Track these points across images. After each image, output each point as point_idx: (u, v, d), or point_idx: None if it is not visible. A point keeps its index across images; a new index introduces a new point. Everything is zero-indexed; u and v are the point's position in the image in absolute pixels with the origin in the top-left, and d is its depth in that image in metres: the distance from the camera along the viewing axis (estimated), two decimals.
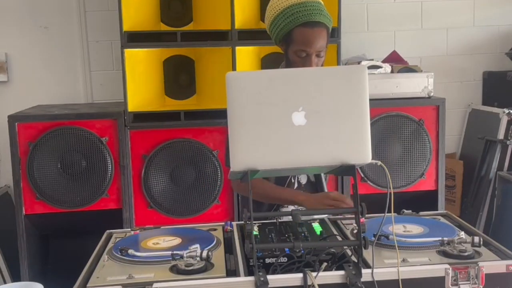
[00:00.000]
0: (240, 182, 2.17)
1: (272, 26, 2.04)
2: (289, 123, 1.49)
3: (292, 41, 2.01)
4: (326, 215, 1.95)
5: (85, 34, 3.66)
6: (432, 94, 3.28)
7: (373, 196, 3.16)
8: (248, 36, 3.11)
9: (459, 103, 4.04)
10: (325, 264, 1.53)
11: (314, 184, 2.20)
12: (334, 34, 3.13)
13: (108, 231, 1.97)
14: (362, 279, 1.47)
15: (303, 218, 1.68)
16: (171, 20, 3.32)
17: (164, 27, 3.30)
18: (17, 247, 3.07)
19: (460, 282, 1.53)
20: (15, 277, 3.25)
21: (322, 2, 2.04)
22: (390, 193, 1.52)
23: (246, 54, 3.11)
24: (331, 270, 1.52)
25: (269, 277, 1.47)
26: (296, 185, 2.17)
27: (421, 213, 2.03)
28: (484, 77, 4.05)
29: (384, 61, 3.49)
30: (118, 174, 3.08)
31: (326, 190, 2.19)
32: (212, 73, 3.20)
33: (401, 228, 1.83)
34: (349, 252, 1.60)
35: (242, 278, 1.49)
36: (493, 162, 3.61)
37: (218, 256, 1.66)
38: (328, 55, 3.13)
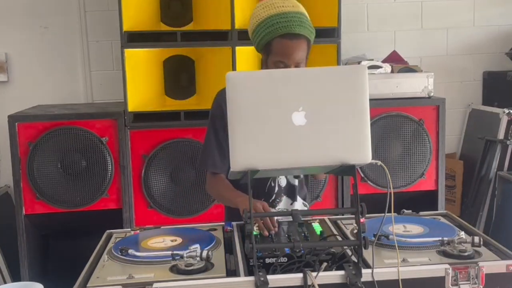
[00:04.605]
0: (208, 183, 2.18)
1: (254, 35, 2.03)
2: (289, 123, 1.49)
3: (271, 52, 1.99)
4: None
5: (85, 34, 3.66)
6: (432, 94, 3.28)
7: (373, 196, 3.16)
8: (248, 36, 3.10)
9: (459, 103, 4.04)
10: (325, 264, 1.53)
11: (293, 187, 2.17)
12: (334, 34, 3.13)
13: (108, 231, 1.97)
14: (362, 279, 1.47)
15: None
16: (171, 20, 3.32)
17: (164, 27, 3.30)
18: (17, 247, 3.07)
19: (460, 282, 1.53)
20: (15, 277, 3.25)
21: (306, 13, 2.01)
22: (390, 193, 1.52)
23: (246, 54, 3.11)
24: (331, 270, 1.53)
25: (269, 277, 1.47)
26: (276, 188, 2.13)
27: (421, 213, 2.04)
28: (484, 77, 4.05)
29: (384, 61, 3.49)
30: (118, 174, 3.08)
31: (297, 197, 2.18)
32: (212, 73, 3.20)
33: (401, 228, 1.83)
34: (349, 252, 1.59)
35: (242, 278, 1.49)
36: (493, 162, 3.61)
37: (218, 256, 1.66)
38: (328, 55, 3.18)
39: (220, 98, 2.12)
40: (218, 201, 2.17)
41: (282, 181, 2.15)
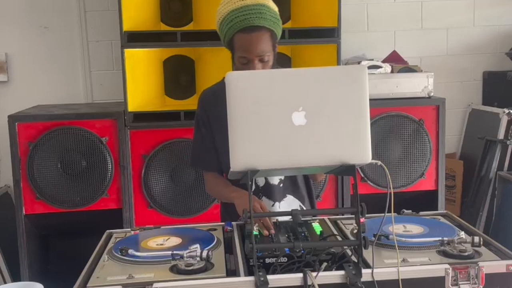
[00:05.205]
0: (206, 184, 2.18)
1: (220, 34, 2.02)
2: (289, 123, 1.49)
3: (234, 48, 1.97)
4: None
5: (85, 34, 3.66)
6: (432, 94, 3.28)
7: (373, 196, 3.16)
8: None
9: (459, 103, 4.04)
10: (325, 264, 1.53)
11: (272, 188, 2.11)
12: (334, 34, 3.13)
13: (108, 231, 1.97)
14: (362, 279, 1.47)
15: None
16: (171, 20, 3.32)
17: (164, 27, 3.30)
18: (17, 247, 3.07)
19: (460, 282, 1.53)
20: (15, 277, 3.25)
21: (269, 4, 1.96)
22: (390, 193, 1.52)
23: None
24: (331, 270, 1.52)
25: (269, 277, 1.47)
26: (253, 187, 2.08)
27: (421, 213, 2.03)
28: (484, 77, 4.05)
29: (384, 61, 3.49)
30: (118, 174, 3.08)
31: (280, 198, 2.12)
32: (212, 73, 3.20)
33: (401, 228, 1.83)
34: (349, 252, 1.59)
35: (242, 278, 1.49)
36: (493, 162, 3.61)
37: (218, 256, 1.66)
38: (328, 55, 3.18)
39: (205, 101, 2.14)
40: (217, 199, 2.18)
41: (260, 181, 2.10)
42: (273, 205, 2.11)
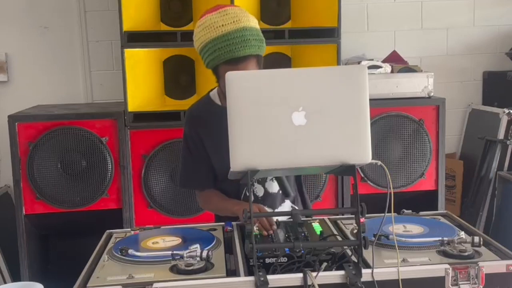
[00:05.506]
0: (200, 201, 2.15)
1: (201, 56, 1.95)
2: (289, 123, 1.49)
3: (219, 77, 1.92)
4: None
5: (85, 34, 3.66)
6: (432, 94, 3.28)
7: (373, 196, 3.16)
8: None
9: (459, 103, 4.04)
10: (325, 264, 1.53)
11: (273, 196, 2.10)
12: (334, 34, 3.13)
13: (108, 231, 1.97)
14: (362, 279, 1.46)
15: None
16: (171, 20, 3.32)
17: (164, 27, 3.30)
18: (17, 247, 3.07)
19: (460, 282, 1.53)
20: (15, 277, 3.25)
21: (250, 23, 1.88)
22: (390, 193, 1.52)
23: None
24: (331, 270, 1.52)
25: (269, 277, 1.47)
26: (252, 198, 2.07)
27: (421, 213, 2.03)
28: (484, 77, 4.05)
29: (384, 61, 3.49)
30: (118, 174, 3.08)
31: (289, 191, 2.07)
32: (212, 73, 3.19)
33: (401, 228, 1.83)
34: (349, 252, 1.59)
35: (242, 278, 1.49)
36: (493, 162, 3.61)
37: (218, 256, 1.66)
38: (328, 55, 3.17)
39: (194, 123, 2.07)
40: (215, 213, 2.14)
41: (259, 191, 2.09)
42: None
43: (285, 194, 2.04)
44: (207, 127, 2.03)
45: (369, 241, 1.51)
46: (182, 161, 2.12)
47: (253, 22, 1.91)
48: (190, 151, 2.08)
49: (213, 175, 2.09)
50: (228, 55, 1.84)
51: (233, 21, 1.85)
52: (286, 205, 2.15)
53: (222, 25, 1.85)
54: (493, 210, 3.58)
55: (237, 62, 1.85)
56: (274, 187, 2.10)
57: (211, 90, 2.13)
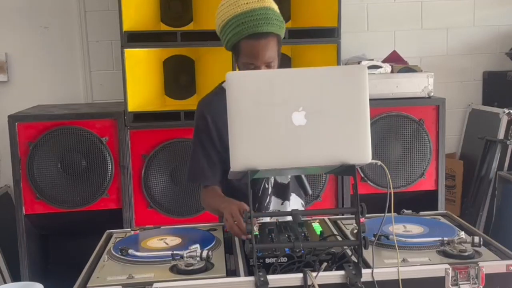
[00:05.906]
0: (202, 198, 2.12)
1: (221, 35, 1.97)
2: (289, 123, 1.49)
3: (239, 53, 1.93)
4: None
5: (85, 34, 3.66)
6: (432, 94, 3.28)
7: (373, 196, 3.16)
8: None
9: (459, 103, 4.04)
10: (325, 264, 1.53)
11: (283, 186, 2.10)
12: (334, 34, 3.13)
13: (108, 231, 1.98)
14: (362, 279, 1.47)
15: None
16: (171, 20, 3.32)
17: (164, 27, 3.30)
18: (17, 247, 3.07)
19: (460, 282, 1.53)
20: (15, 277, 3.25)
21: (273, 6, 1.93)
22: (390, 193, 1.52)
23: None
24: (331, 270, 1.53)
25: (269, 277, 1.47)
26: (270, 189, 2.08)
27: (421, 213, 2.04)
28: (484, 77, 4.05)
29: (384, 61, 3.49)
30: (118, 174, 3.08)
31: (289, 196, 2.12)
32: (212, 73, 3.20)
33: (401, 228, 1.83)
34: (349, 252, 1.60)
35: (242, 278, 1.49)
36: (493, 162, 3.61)
37: (218, 256, 1.66)
38: (328, 55, 3.18)
39: (205, 109, 2.07)
40: (210, 212, 2.11)
41: (270, 182, 2.08)
42: (282, 203, 2.11)
43: (305, 193, 2.10)
44: (223, 114, 1.99)
45: (369, 241, 1.52)
46: (192, 155, 2.09)
47: (275, 5, 1.95)
48: (201, 143, 2.04)
49: (221, 170, 2.03)
50: (252, 30, 1.87)
51: (257, 0, 1.89)
52: (293, 198, 2.14)
53: (247, 3, 1.88)
54: (493, 210, 3.58)
55: (259, 37, 1.88)
56: (284, 178, 2.10)
57: (222, 82, 2.11)
